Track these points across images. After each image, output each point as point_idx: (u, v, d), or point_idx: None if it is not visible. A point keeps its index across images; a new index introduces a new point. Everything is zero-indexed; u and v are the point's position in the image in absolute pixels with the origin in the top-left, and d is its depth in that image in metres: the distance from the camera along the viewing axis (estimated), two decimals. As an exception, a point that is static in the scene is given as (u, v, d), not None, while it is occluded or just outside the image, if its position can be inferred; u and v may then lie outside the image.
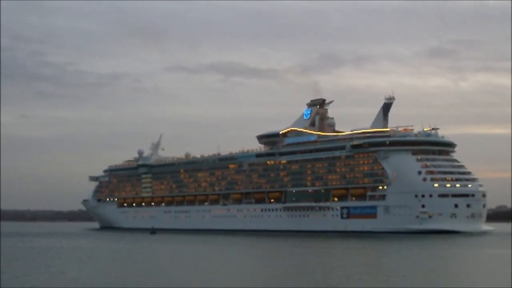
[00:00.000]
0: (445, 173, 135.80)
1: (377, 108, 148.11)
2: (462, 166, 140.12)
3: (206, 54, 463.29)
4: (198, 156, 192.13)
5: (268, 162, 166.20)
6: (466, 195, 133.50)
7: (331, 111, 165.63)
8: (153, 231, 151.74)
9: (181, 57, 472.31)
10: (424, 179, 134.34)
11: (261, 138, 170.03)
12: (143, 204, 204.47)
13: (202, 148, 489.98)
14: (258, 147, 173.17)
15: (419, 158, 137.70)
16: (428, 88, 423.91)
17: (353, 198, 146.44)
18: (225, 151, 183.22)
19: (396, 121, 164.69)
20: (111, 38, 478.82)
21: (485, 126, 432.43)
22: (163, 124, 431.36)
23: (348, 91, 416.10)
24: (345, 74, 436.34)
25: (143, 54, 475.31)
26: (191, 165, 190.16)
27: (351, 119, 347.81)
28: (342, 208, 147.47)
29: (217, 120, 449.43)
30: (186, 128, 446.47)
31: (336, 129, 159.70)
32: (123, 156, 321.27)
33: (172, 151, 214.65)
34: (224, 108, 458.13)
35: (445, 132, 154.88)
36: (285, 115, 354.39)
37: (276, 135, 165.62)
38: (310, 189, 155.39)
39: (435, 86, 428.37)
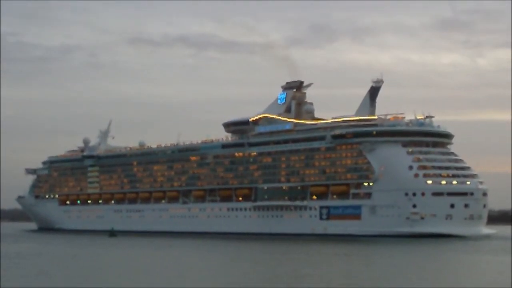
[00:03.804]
0: (440, 168, 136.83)
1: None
2: (460, 161, 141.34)
3: (174, 23, 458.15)
4: (154, 146, 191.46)
5: (236, 154, 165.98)
6: (464, 194, 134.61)
7: (312, 95, 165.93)
8: (112, 233, 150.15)
9: (145, 27, 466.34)
10: (416, 175, 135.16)
11: (228, 126, 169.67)
12: (89, 201, 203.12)
13: (159, 136, 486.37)
14: (224, 136, 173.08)
15: (410, 150, 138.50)
16: (440, 66, 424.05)
17: (334, 197, 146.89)
18: (186, 140, 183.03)
19: (398, 105, 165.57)
20: (61, 3, 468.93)
21: (507, 111, 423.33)
22: (117, 107, 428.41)
23: (344, 69, 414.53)
24: (341, 48, 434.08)
25: (100, 22, 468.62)
26: (146, 157, 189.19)
27: (338, 104, 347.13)
28: (321, 207, 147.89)
29: (182, 102, 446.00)
30: (142, 112, 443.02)
31: (316, 116, 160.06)
32: (65, 145, 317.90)
33: (123, 140, 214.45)
34: (193, 88, 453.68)
35: (461, 118, 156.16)
36: (266, 97, 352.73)
37: (245, 122, 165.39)
38: (284, 186, 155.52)
39: (448, 64, 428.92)
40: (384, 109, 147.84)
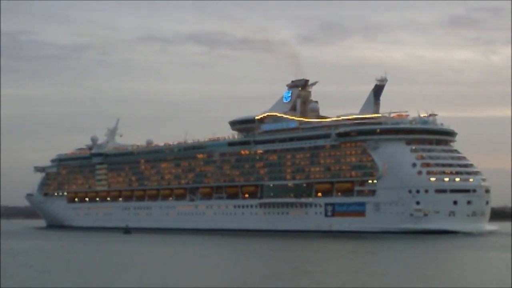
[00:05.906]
0: (443, 165, 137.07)
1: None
2: (463, 158, 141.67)
3: (186, 21, 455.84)
4: (162, 144, 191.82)
5: (242, 152, 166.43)
6: (467, 191, 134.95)
7: (320, 93, 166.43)
8: (127, 230, 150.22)
9: (156, 25, 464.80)
10: (419, 172, 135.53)
11: (235, 124, 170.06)
12: (97, 199, 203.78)
13: (166, 134, 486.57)
14: (230, 134, 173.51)
15: (414, 148, 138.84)
16: (452, 63, 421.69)
17: (339, 194, 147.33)
18: (193, 138, 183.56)
19: (410, 102, 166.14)
20: (73, 2, 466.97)
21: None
22: (125, 105, 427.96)
23: (355, 66, 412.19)
24: (352, 46, 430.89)
25: (111, 20, 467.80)
26: (153, 155, 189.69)
27: (347, 101, 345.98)
28: (326, 204, 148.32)
29: (189, 101, 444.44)
30: (150, 110, 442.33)
31: (323, 113, 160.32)
32: (74, 143, 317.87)
33: (131, 138, 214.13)
34: (203, 86, 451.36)
35: (472, 115, 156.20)
36: (274, 95, 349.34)
37: (251, 120, 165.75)
38: (290, 183, 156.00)
39: (460, 60, 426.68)
40: (394, 106, 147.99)
